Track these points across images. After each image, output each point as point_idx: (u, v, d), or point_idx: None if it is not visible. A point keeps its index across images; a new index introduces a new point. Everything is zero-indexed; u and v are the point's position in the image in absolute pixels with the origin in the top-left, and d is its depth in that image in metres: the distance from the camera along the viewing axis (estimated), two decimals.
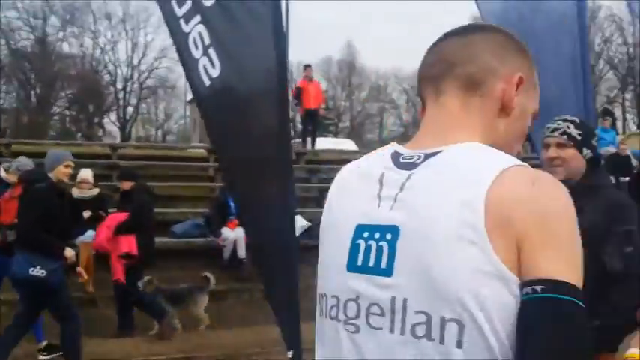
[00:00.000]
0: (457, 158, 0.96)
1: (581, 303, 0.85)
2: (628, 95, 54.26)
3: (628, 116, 58.14)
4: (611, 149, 12.56)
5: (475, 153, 0.97)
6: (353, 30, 64.76)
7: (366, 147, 20.59)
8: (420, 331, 0.91)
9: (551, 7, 3.95)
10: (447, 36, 1.11)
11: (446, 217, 0.91)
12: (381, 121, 43.82)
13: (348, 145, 19.43)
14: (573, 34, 3.86)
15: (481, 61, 1.05)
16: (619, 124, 53.45)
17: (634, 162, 11.15)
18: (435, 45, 1.11)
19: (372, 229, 0.99)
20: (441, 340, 0.88)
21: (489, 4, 4.13)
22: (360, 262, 0.99)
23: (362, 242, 1.00)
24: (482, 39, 1.07)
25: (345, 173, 1.12)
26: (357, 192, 1.05)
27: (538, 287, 0.85)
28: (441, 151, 0.98)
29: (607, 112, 15.32)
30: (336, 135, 34.33)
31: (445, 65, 1.06)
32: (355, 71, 42.32)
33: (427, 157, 0.99)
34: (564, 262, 0.88)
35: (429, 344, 0.89)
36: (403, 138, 19.34)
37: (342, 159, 9.17)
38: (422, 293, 0.91)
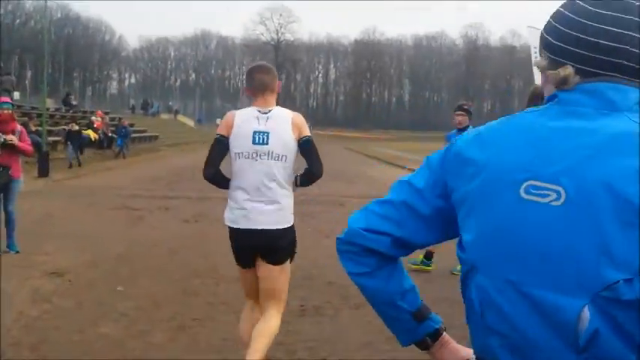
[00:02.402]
0: (280, 109, 3.63)
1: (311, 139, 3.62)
2: None
3: None
4: None
5: (282, 109, 3.65)
6: None
7: None
8: (278, 158, 3.53)
9: None
10: (256, 72, 3.70)
11: (285, 126, 3.55)
12: None
13: None
14: None
15: (272, 82, 3.66)
16: None
17: None
18: (252, 76, 3.68)
19: (260, 132, 3.52)
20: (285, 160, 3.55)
21: None
22: (257, 140, 3.51)
23: (257, 135, 3.52)
24: (267, 72, 3.70)
25: (239, 112, 3.64)
26: (247, 121, 3.55)
27: (306, 137, 3.59)
28: (272, 109, 3.60)
29: None
30: None
31: (264, 85, 3.63)
32: None
33: (270, 111, 3.59)
34: (309, 132, 3.67)
35: (278, 162, 3.54)
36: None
37: None
38: (279, 149, 3.51)
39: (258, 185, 3.50)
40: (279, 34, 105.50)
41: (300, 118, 3.63)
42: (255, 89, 3.65)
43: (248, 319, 3.76)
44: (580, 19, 1.08)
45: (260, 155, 3.51)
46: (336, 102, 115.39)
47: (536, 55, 15.05)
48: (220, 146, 3.57)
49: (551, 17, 1.14)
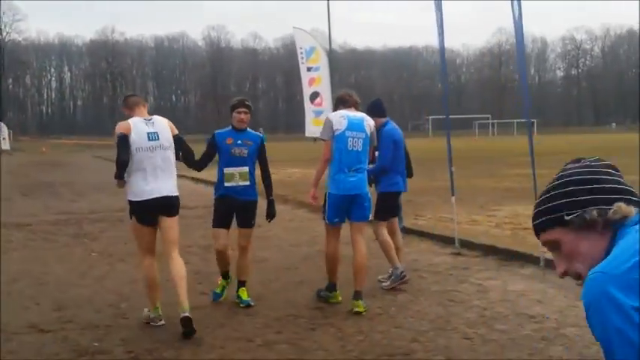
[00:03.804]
0: (158, 117, 5.35)
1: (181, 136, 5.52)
2: None
3: None
4: None
5: (159, 117, 5.37)
6: None
7: None
8: (166, 148, 5.22)
9: None
10: (128, 96, 5.56)
11: (165, 127, 5.27)
12: None
13: None
14: None
15: (141, 98, 5.58)
16: None
17: None
18: (126, 100, 5.51)
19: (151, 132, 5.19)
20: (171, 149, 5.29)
21: None
22: (151, 138, 5.16)
23: (150, 134, 5.17)
24: (136, 94, 5.72)
25: (132, 120, 5.18)
26: (139, 126, 5.14)
27: (177, 135, 5.38)
28: (152, 118, 5.28)
29: None
30: None
31: (137, 100, 5.44)
32: None
33: (151, 119, 5.26)
34: (177, 131, 5.44)
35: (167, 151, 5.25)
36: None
37: None
38: (166, 142, 5.20)
39: (156, 167, 5.09)
40: (4, 34, 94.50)
41: (170, 122, 5.37)
42: (132, 105, 5.32)
43: (153, 277, 5.20)
44: (619, 179, 1.43)
45: (155, 148, 5.11)
46: (74, 107, 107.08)
47: (302, 54, 15.87)
48: (125, 140, 5.03)
49: (591, 183, 1.40)
